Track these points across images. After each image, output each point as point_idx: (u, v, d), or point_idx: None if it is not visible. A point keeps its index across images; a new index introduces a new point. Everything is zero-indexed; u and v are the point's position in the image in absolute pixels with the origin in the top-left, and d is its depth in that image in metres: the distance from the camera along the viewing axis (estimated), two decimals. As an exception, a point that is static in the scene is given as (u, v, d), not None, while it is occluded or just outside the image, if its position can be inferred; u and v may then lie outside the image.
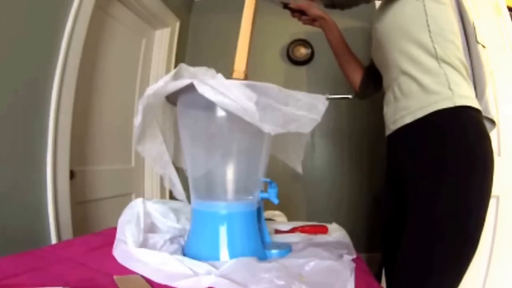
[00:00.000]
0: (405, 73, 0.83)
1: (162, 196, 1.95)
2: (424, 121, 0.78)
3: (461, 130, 0.74)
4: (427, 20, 0.79)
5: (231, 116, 0.55)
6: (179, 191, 0.72)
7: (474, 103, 0.77)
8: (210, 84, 0.53)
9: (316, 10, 1.05)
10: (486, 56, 0.91)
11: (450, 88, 0.76)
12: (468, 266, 0.73)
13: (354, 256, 0.65)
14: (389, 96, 0.91)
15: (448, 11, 0.81)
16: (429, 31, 0.79)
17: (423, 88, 0.79)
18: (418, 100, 0.80)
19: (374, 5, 1.27)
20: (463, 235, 0.71)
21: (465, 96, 0.76)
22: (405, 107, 0.82)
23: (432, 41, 0.79)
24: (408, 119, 0.81)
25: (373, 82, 1.08)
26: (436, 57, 0.78)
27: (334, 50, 1.12)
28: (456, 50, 0.80)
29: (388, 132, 0.92)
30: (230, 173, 0.65)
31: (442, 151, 0.74)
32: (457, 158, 0.72)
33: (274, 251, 0.65)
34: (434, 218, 0.72)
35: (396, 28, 0.84)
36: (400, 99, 0.85)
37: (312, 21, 1.08)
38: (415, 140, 0.80)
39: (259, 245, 0.64)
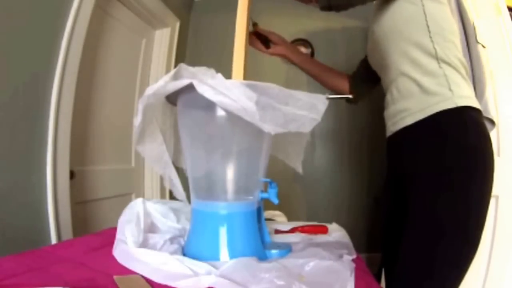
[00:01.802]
0: (405, 75, 0.82)
1: (162, 196, 1.95)
2: (424, 122, 0.77)
3: (462, 131, 0.74)
4: (426, 21, 0.78)
5: (231, 116, 0.55)
6: (179, 191, 0.72)
7: (475, 103, 0.77)
8: (210, 84, 0.53)
9: (278, 38, 1.05)
10: (486, 56, 0.91)
11: (450, 89, 0.76)
12: (468, 267, 0.72)
13: (354, 256, 0.64)
14: (388, 98, 0.90)
15: (446, 10, 0.80)
16: (429, 32, 0.78)
17: (423, 90, 0.78)
18: (418, 102, 0.79)
19: (372, 5, 1.26)
20: (463, 236, 0.71)
21: (465, 96, 0.76)
22: (405, 108, 0.82)
23: (432, 42, 0.78)
24: (409, 121, 0.81)
25: (364, 84, 1.09)
26: (436, 57, 0.78)
27: (307, 70, 1.13)
28: (455, 49, 0.79)
29: (388, 133, 0.91)
30: (230, 173, 0.65)
31: (443, 152, 0.74)
32: (458, 159, 0.72)
33: (274, 251, 0.65)
34: (434, 219, 0.72)
35: (394, 30, 0.83)
36: (399, 100, 0.84)
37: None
38: (415, 142, 0.80)
39: (259, 245, 0.64)
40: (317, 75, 1.13)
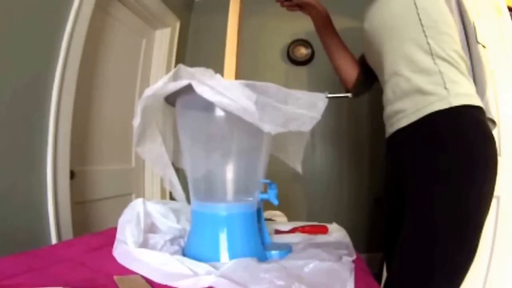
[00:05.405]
0: (398, 74, 0.79)
1: (162, 196, 1.95)
2: (419, 124, 0.75)
3: (460, 132, 0.71)
4: (418, 14, 0.75)
5: (231, 116, 0.55)
6: (178, 192, 0.72)
7: (473, 101, 0.73)
8: (209, 84, 0.53)
9: None
10: (486, 56, 0.89)
11: (445, 88, 0.72)
12: (466, 272, 0.70)
13: (354, 257, 0.64)
14: (384, 98, 0.87)
15: (438, 1, 0.77)
16: (422, 25, 0.74)
17: (418, 89, 0.75)
18: (413, 102, 0.76)
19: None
20: (460, 241, 0.69)
21: (462, 94, 0.73)
22: (401, 109, 0.80)
23: (426, 36, 0.74)
24: (404, 122, 0.79)
25: (367, 81, 1.04)
26: (430, 53, 0.74)
27: (324, 41, 1.02)
28: (452, 42, 0.75)
29: (387, 134, 0.89)
30: (230, 174, 0.65)
31: (438, 156, 0.71)
32: (454, 162, 0.70)
33: (274, 252, 0.65)
34: (431, 225, 0.70)
35: (385, 26, 0.80)
36: (394, 101, 0.82)
37: (299, 7, 0.95)
38: (411, 144, 0.77)
39: (259, 246, 0.64)
40: (331, 49, 1.02)
